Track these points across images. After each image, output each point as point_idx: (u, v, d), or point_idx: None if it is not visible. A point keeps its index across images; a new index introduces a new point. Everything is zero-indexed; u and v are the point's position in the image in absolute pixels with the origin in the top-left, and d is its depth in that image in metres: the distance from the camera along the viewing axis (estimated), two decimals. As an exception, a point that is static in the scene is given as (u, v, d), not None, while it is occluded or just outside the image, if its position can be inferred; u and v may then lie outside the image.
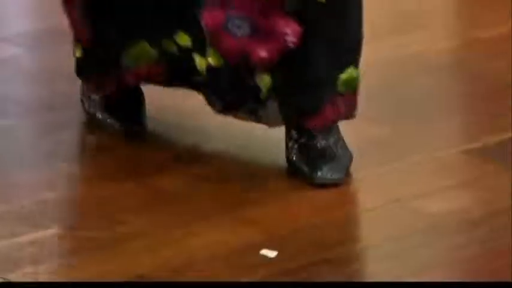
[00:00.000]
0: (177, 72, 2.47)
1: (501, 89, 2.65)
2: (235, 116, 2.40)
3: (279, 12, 2.08)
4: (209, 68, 2.23)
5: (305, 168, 2.37)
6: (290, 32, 2.04)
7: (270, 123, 2.40)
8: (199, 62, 2.29)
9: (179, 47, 2.34)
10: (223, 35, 2.13)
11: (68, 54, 2.66)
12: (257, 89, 2.26)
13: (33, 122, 2.62)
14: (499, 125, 2.52)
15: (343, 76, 2.23)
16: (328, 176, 2.35)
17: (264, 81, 2.18)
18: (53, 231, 2.09)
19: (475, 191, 2.32)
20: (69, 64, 2.74)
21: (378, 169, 2.39)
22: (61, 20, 3.00)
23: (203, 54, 2.27)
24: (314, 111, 2.28)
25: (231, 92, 2.31)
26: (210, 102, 2.39)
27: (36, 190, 2.24)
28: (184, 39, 2.26)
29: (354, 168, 2.37)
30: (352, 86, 2.29)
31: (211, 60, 2.20)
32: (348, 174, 2.40)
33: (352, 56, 2.28)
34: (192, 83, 2.44)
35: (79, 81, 2.72)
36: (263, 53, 2.10)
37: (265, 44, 2.10)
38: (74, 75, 2.72)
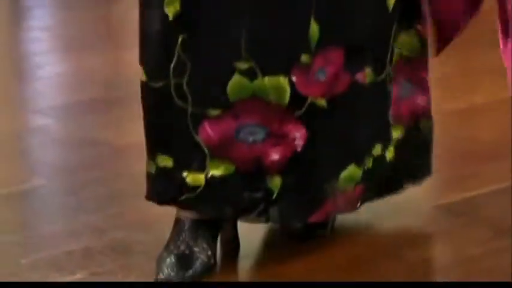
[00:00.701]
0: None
1: (468, 155, 2.64)
2: (246, 220, 2.23)
3: (290, 118, 1.99)
4: (211, 180, 2.07)
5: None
6: (299, 136, 1.97)
7: (280, 222, 2.24)
8: (193, 178, 2.07)
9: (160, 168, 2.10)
10: (236, 144, 2.02)
11: (90, 124, 2.67)
12: (268, 191, 2.11)
13: (61, 182, 2.60)
14: (465, 184, 2.52)
15: (344, 174, 2.10)
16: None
17: (275, 182, 2.06)
18: (78, 276, 2.06)
19: (445, 241, 2.31)
20: (91, 132, 2.80)
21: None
22: (85, 94, 3.04)
23: (195, 170, 2.07)
24: (316, 208, 2.14)
25: (243, 198, 2.13)
26: (221, 212, 2.16)
27: (63, 240, 2.22)
28: (165, 160, 2.07)
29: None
30: (353, 183, 2.14)
31: (214, 171, 2.05)
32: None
33: (354, 154, 2.13)
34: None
35: (100, 146, 2.70)
36: (276, 156, 2.01)
37: (277, 148, 2.01)
38: (95, 140, 2.75)
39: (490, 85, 3.19)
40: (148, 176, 2.01)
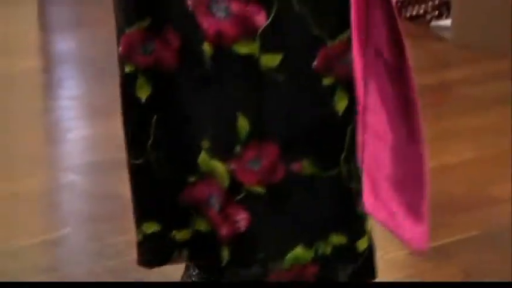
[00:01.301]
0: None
1: (440, 207, 2.63)
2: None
3: (231, 201, 1.90)
4: (196, 234, 2.01)
5: None
6: (240, 218, 1.87)
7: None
8: (181, 235, 2.01)
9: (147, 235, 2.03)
10: (209, 208, 1.94)
11: (112, 180, 2.69)
12: (220, 258, 2.00)
13: (86, 230, 2.60)
14: (438, 233, 2.49)
15: (290, 254, 1.94)
16: None
17: (224, 253, 1.97)
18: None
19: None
20: (113, 187, 2.78)
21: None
22: (108, 154, 3.06)
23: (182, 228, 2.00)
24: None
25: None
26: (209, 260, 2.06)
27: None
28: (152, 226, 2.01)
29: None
30: (301, 263, 1.98)
31: (199, 227, 1.98)
32: None
33: (301, 237, 1.96)
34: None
35: (121, 199, 2.62)
36: (224, 231, 1.91)
37: (225, 224, 1.90)
38: (116, 194, 2.72)
39: (459, 146, 3.19)
40: (138, 243, 1.98)
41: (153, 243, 1.96)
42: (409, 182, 1.87)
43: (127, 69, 1.92)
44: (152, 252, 1.97)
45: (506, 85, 3.73)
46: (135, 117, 1.96)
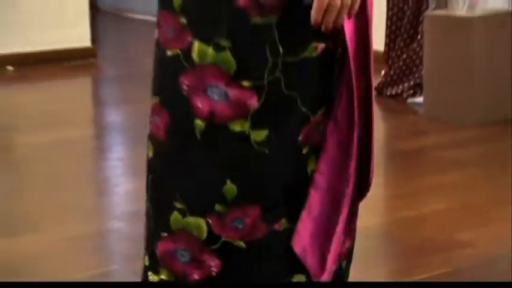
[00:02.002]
0: None
1: (417, 247, 2.65)
2: None
3: (207, 249, 1.81)
4: (162, 281, 1.93)
5: None
6: (214, 264, 1.78)
7: None
8: (152, 277, 1.93)
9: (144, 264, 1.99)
10: (175, 260, 1.87)
11: None
12: None
13: (129, 267, 2.56)
14: (415, 270, 2.48)
15: None
16: None
17: None
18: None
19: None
20: None
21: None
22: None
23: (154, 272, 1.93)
24: None
25: None
26: None
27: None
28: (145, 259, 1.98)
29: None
30: None
31: (163, 276, 1.92)
32: None
33: (271, 277, 1.89)
34: None
35: None
36: (196, 276, 1.82)
37: (197, 270, 1.81)
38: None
39: (431, 199, 3.15)
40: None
41: (143, 274, 1.94)
42: (324, 235, 1.86)
43: (148, 133, 1.90)
44: (143, 279, 1.95)
45: (469, 149, 3.73)
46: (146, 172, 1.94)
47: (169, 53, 1.77)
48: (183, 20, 1.74)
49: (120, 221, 3.05)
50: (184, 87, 1.75)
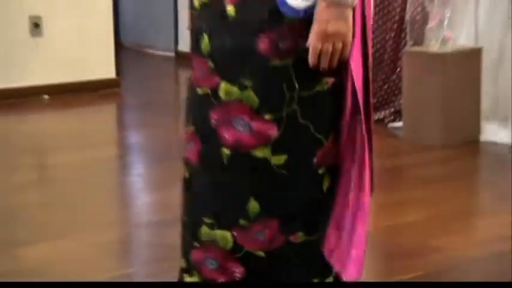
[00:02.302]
0: None
1: (395, 252, 2.63)
2: None
3: (231, 258, 1.82)
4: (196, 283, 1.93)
5: None
6: (238, 271, 1.78)
7: None
8: (186, 279, 1.94)
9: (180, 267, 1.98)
10: (203, 267, 1.88)
11: (170, 234, 2.59)
12: None
13: (147, 269, 2.56)
14: (393, 273, 2.46)
15: None
16: None
17: None
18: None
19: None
20: (170, 240, 2.62)
21: None
22: (166, 215, 3.02)
23: (189, 274, 1.95)
24: None
25: None
26: None
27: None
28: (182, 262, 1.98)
29: None
30: None
31: (195, 278, 1.90)
32: None
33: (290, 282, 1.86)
34: None
35: (174, 247, 2.52)
36: (222, 279, 1.83)
37: (223, 275, 1.82)
38: (172, 244, 2.65)
39: (408, 211, 3.12)
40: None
41: (179, 275, 1.92)
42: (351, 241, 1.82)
43: (184, 156, 1.89)
44: (179, 279, 1.94)
45: (441, 167, 3.73)
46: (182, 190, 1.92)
47: (200, 91, 1.77)
48: (211, 64, 1.73)
49: (139, 229, 3.02)
50: (213, 121, 1.74)
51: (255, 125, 1.72)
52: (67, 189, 3.46)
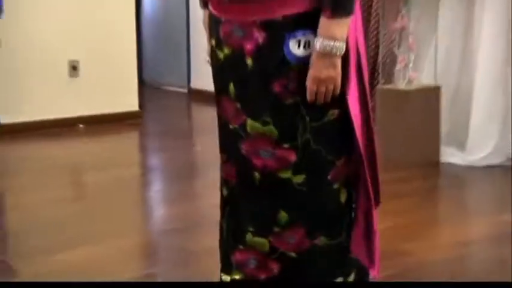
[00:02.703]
0: None
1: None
2: None
3: (269, 258, 1.83)
4: (233, 280, 1.92)
5: None
6: (275, 267, 1.81)
7: None
8: (224, 278, 1.93)
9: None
10: (247, 267, 1.88)
11: (186, 238, 2.56)
12: None
13: (167, 270, 2.52)
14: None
15: None
16: None
17: None
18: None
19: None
20: (185, 243, 2.65)
21: None
22: (180, 224, 2.98)
23: (226, 273, 1.93)
24: None
25: None
26: None
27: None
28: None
29: None
30: None
31: (236, 276, 1.90)
32: None
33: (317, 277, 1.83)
34: None
35: (188, 250, 2.56)
36: (263, 276, 1.85)
37: (263, 272, 1.83)
38: (186, 247, 2.63)
39: (381, 219, 3.02)
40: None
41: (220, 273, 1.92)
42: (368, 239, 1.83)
43: (221, 176, 1.90)
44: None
45: (409, 184, 3.67)
46: (221, 203, 1.91)
47: (231, 126, 1.78)
48: (238, 105, 1.74)
49: (158, 235, 3.00)
50: (243, 151, 1.76)
51: (278, 152, 1.72)
52: (98, 203, 3.45)
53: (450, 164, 4.01)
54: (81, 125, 5.14)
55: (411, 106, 4.02)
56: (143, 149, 5.07)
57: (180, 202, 3.50)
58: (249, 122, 1.74)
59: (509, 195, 3.44)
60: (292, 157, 1.73)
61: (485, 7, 3.88)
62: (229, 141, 1.81)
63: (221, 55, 1.76)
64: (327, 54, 1.63)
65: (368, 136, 1.78)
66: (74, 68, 5.14)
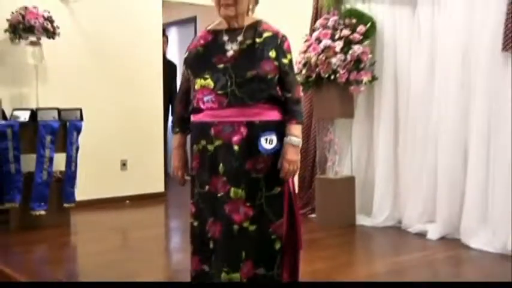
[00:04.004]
0: None
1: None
2: None
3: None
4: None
5: None
6: None
7: None
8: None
9: None
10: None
11: None
12: None
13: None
14: None
15: None
16: None
17: None
18: None
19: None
20: None
21: None
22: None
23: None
24: None
25: None
26: None
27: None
28: None
29: None
30: None
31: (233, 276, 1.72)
32: None
33: None
34: None
35: None
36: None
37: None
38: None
39: (318, 262, 3.02)
40: None
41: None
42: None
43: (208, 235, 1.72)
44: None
45: (336, 239, 3.61)
46: (201, 254, 1.78)
47: (218, 195, 1.72)
48: (225, 179, 1.70)
49: (177, 273, 2.88)
50: (227, 211, 1.70)
51: (245, 209, 1.70)
52: (137, 251, 3.39)
53: (362, 226, 4.00)
54: (127, 201, 5.02)
55: (337, 189, 4.11)
56: (167, 216, 4.91)
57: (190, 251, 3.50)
58: (233, 189, 1.68)
59: (400, 244, 3.48)
60: (251, 212, 1.70)
61: (380, 125, 3.94)
62: (217, 205, 1.70)
63: (211, 147, 1.68)
64: (296, 146, 1.68)
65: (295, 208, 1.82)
66: (123, 164, 5.07)
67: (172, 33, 6.42)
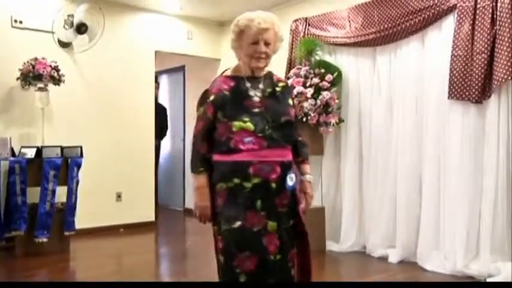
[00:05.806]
0: None
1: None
2: None
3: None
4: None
5: None
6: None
7: None
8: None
9: None
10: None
11: None
12: None
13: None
14: None
15: None
16: None
17: None
18: None
19: None
20: None
21: None
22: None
23: None
24: None
25: None
26: None
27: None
28: None
29: None
30: None
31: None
32: None
33: None
34: None
35: None
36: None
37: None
38: None
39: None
40: None
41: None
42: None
43: (235, 270, 1.67)
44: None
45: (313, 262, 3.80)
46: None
47: (255, 229, 1.66)
48: (263, 214, 1.67)
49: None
50: (264, 243, 1.66)
51: (275, 240, 1.69)
52: (129, 275, 3.38)
53: (331, 251, 4.08)
54: (121, 229, 5.04)
55: (309, 218, 3.63)
56: (157, 243, 4.91)
57: (179, 274, 3.49)
58: (270, 223, 1.66)
59: (364, 267, 3.54)
60: (278, 243, 1.70)
61: (346, 161, 4.08)
62: (253, 240, 1.64)
63: (249, 185, 1.63)
64: (311, 182, 1.76)
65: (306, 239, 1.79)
66: (118, 196, 5.12)
67: (164, 79, 6.71)
